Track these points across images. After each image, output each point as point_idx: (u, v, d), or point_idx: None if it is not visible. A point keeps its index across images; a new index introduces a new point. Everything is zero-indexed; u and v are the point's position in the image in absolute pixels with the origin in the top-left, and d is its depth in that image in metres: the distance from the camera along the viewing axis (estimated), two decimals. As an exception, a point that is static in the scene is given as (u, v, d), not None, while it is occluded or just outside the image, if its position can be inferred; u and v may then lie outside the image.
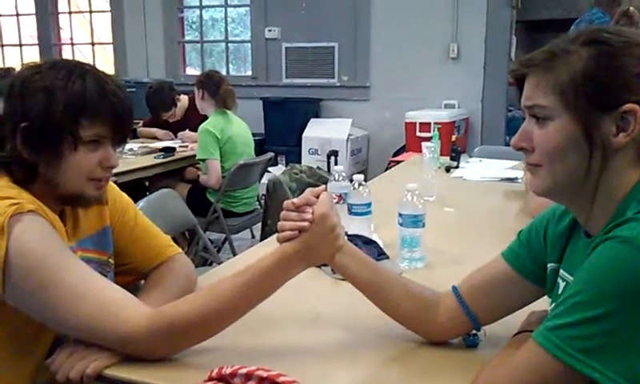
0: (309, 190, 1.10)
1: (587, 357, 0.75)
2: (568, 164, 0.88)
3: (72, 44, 7.64)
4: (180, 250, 1.41)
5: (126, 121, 1.17)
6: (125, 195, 1.39)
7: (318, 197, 1.08)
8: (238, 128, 3.49)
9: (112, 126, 1.15)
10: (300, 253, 1.06)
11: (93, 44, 7.54)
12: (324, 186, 1.14)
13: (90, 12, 7.37)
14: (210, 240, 3.15)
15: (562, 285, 0.97)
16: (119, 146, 1.20)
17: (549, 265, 1.01)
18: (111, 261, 1.32)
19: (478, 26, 5.33)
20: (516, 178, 2.52)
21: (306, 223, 1.05)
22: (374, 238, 1.66)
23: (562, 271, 0.98)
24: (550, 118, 0.88)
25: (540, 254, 1.03)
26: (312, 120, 5.96)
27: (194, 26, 7.20)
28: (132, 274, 1.36)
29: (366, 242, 1.61)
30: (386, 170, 3.64)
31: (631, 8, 4.87)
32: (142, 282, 1.36)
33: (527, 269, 1.05)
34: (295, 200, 1.08)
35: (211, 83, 3.51)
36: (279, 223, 1.09)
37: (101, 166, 1.17)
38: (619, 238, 0.77)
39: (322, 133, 5.69)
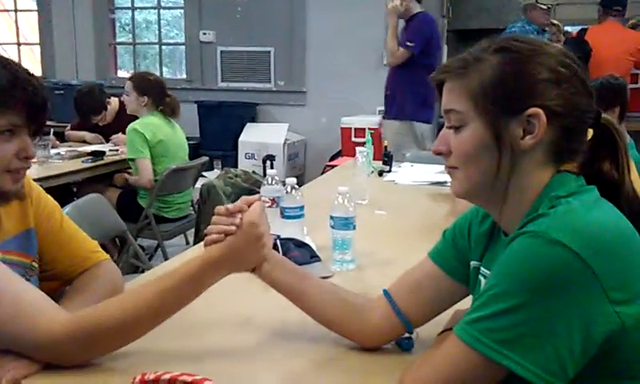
0: (242, 198, 1.10)
1: (504, 348, 0.78)
2: (481, 166, 0.91)
3: (-4, 44, 7.30)
4: (107, 256, 1.38)
5: (42, 109, 1.15)
6: (50, 198, 1.35)
7: (250, 205, 1.08)
8: (171, 131, 3.43)
9: (26, 114, 1.11)
10: (224, 257, 1.05)
11: (19, 44, 7.23)
12: (258, 195, 1.14)
13: (16, 11, 7.07)
14: (141, 247, 3.08)
15: (482, 282, 1.00)
16: (35, 136, 1.17)
17: (471, 263, 1.05)
18: (35, 264, 1.27)
19: (411, 33, 5.44)
20: (445, 182, 2.58)
21: (232, 228, 1.04)
22: (307, 241, 1.67)
23: (482, 269, 1.02)
24: (464, 123, 0.91)
25: (464, 252, 1.07)
26: (248, 124, 5.93)
27: (126, 28, 7.03)
28: (57, 280, 1.32)
29: (298, 245, 1.62)
30: (322, 174, 3.66)
31: (556, 21, 5.13)
32: (68, 288, 1.32)
33: (453, 267, 1.08)
34: (228, 206, 1.08)
35: (157, 91, 3.41)
36: (208, 227, 1.08)
37: (17, 157, 1.13)
38: (530, 233, 0.81)
39: (259, 137, 5.68)
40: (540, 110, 0.87)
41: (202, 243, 1.10)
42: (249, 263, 1.10)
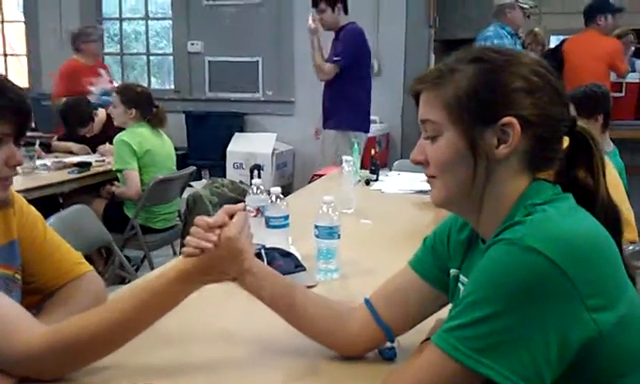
0: (225, 207, 1.09)
1: (481, 356, 0.78)
2: (457, 176, 0.92)
3: (-18, 54, 7.25)
4: (91, 267, 1.36)
5: (28, 117, 1.17)
6: (33, 209, 1.34)
7: (232, 216, 1.07)
8: (159, 142, 3.42)
9: (14, 123, 1.13)
10: (199, 271, 1.04)
11: (5, 55, 7.19)
12: (242, 205, 1.12)
13: (2, 22, 7.03)
14: (128, 257, 3.06)
15: (462, 289, 1.01)
16: (19, 143, 1.19)
17: (451, 271, 1.05)
18: (18, 276, 1.26)
19: (398, 43, 5.48)
20: (430, 190, 2.60)
21: (209, 245, 1.03)
22: (292, 250, 1.67)
23: (461, 276, 1.02)
24: (440, 133, 0.92)
25: (444, 259, 1.07)
26: (236, 134, 5.91)
27: (115, 39, 7.01)
28: (40, 292, 1.30)
29: (283, 255, 1.62)
30: (310, 183, 3.66)
31: (537, 29, 5.17)
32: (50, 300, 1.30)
33: (433, 276, 1.08)
34: (208, 219, 1.06)
35: (145, 103, 3.40)
36: (186, 238, 1.07)
37: (7, 165, 1.15)
38: (506, 241, 0.82)
39: (247, 147, 5.67)
40: (514, 120, 0.88)
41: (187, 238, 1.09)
42: (226, 275, 1.09)
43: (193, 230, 1.06)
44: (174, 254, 3.73)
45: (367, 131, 4.31)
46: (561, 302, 0.77)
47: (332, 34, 4.26)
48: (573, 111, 2.12)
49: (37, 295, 1.29)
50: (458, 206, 0.97)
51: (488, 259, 0.83)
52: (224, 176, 5.48)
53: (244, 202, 1.88)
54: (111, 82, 4.73)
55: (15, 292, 1.24)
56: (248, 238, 1.09)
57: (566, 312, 0.77)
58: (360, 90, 4.21)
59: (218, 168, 5.79)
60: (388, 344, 1.11)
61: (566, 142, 0.95)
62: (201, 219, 1.07)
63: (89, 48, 4.65)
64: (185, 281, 1.04)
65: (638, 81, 4.95)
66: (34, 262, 1.28)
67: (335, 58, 4.10)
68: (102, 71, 4.75)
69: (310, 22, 4.18)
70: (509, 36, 4.11)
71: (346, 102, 4.13)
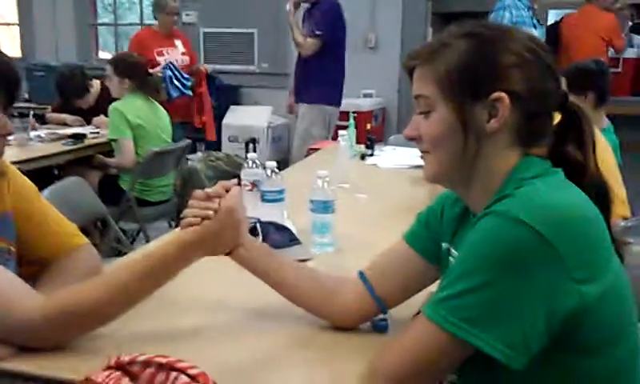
0: (220, 183, 1.11)
1: (470, 325, 0.80)
2: (449, 150, 0.93)
3: (-27, 24, 7.16)
4: (86, 240, 1.37)
5: (18, 85, 1.16)
6: (28, 181, 1.34)
7: (228, 190, 1.09)
8: (153, 113, 3.40)
9: (4, 92, 1.12)
10: (198, 241, 1.05)
11: (-3, 24, 7.11)
12: (236, 180, 1.14)
13: (-7, -10, 6.93)
14: (123, 230, 3.06)
15: (452, 262, 1.02)
16: (9, 113, 1.18)
17: (443, 244, 1.07)
18: (12, 248, 1.26)
19: (395, 16, 5.44)
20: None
21: (209, 212, 1.05)
22: (287, 224, 1.68)
23: (452, 250, 1.04)
24: (432, 108, 0.94)
25: (437, 234, 1.09)
26: (231, 107, 5.89)
27: (109, 8, 6.92)
28: (35, 264, 1.30)
29: (278, 229, 1.63)
30: (306, 157, 3.66)
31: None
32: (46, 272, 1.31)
33: (427, 250, 1.10)
34: (207, 190, 1.08)
35: (139, 74, 3.38)
36: (185, 210, 1.09)
37: None
38: (494, 213, 0.83)
39: (242, 120, 5.65)
40: (504, 94, 0.89)
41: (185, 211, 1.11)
42: (223, 247, 1.10)
43: (191, 202, 1.08)
44: (170, 226, 3.73)
45: (339, 105, 4.36)
46: (547, 272, 0.79)
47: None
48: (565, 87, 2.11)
49: (33, 267, 1.30)
50: (450, 180, 0.99)
51: (477, 231, 0.85)
52: (219, 149, 5.47)
53: (239, 175, 1.88)
54: (187, 55, 4.52)
55: (10, 264, 1.24)
56: (244, 211, 1.11)
57: (552, 282, 0.79)
58: (337, 63, 4.24)
59: (213, 141, 5.77)
60: (381, 316, 1.13)
61: (557, 117, 0.96)
62: (199, 191, 1.08)
63: (164, 19, 4.44)
64: (183, 252, 1.05)
65: (635, 56, 4.93)
66: (29, 234, 1.29)
67: (318, 32, 4.07)
68: (178, 43, 4.52)
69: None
70: (525, 8, 3.99)
71: (321, 75, 4.14)
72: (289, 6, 4.18)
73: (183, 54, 4.49)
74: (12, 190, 1.27)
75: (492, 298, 0.80)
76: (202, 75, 4.69)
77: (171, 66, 4.23)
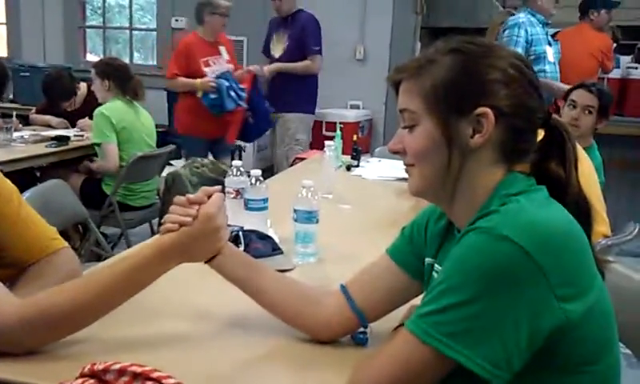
0: (203, 188, 1.10)
1: (453, 341, 0.80)
2: (433, 165, 0.94)
3: (-41, 21, 7.08)
4: (66, 243, 1.34)
5: (7, 80, 1.13)
6: (8, 182, 1.31)
7: (210, 196, 1.08)
8: (138, 117, 3.38)
9: None
10: (176, 247, 1.04)
11: (-17, 23, 7.03)
12: (219, 186, 1.13)
13: (-19, -11, 6.87)
14: (104, 235, 3.03)
15: (436, 277, 1.02)
16: None
17: (426, 259, 1.07)
18: None
19: (384, 29, 5.47)
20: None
21: (188, 219, 1.04)
22: (270, 233, 1.67)
23: (436, 265, 1.04)
24: (417, 122, 0.94)
25: (421, 249, 1.08)
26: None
27: (98, 11, 6.89)
28: (12, 267, 1.27)
29: (261, 237, 1.62)
30: (291, 166, 3.65)
31: None
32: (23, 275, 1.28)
33: (410, 264, 1.09)
34: (188, 196, 1.07)
35: (119, 74, 3.36)
36: (165, 216, 1.07)
37: None
38: (479, 229, 0.83)
39: (229, 127, 5.62)
40: (488, 110, 0.89)
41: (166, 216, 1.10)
42: (202, 255, 1.09)
43: (172, 207, 1.07)
44: (152, 232, 3.71)
45: (313, 113, 4.60)
46: (531, 289, 0.79)
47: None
48: (596, 104, 2.12)
49: (9, 269, 1.27)
50: (434, 195, 0.99)
51: (461, 247, 0.84)
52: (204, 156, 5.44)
53: (224, 182, 1.87)
54: (231, 62, 4.12)
55: None
56: (224, 218, 1.10)
57: (535, 300, 0.79)
58: (316, 74, 4.46)
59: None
60: (361, 329, 1.12)
61: (541, 135, 0.97)
62: (180, 197, 1.07)
63: (213, 21, 3.97)
64: (161, 258, 1.04)
65: (619, 77, 5.00)
66: (6, 236, 1.26)
67: (316, 48, 4.31)
68: (222, 49, 4.10)
69: (258, 68, 4.30)
70: (540, 25, 3.87)
71: (306, 86, 4.40)
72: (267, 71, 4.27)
73: (228, 61, 4.11)
74: None
75: (475, 314, 0.80)
76: (249, 79, 4.22)
77: (227, 76, 3.93)
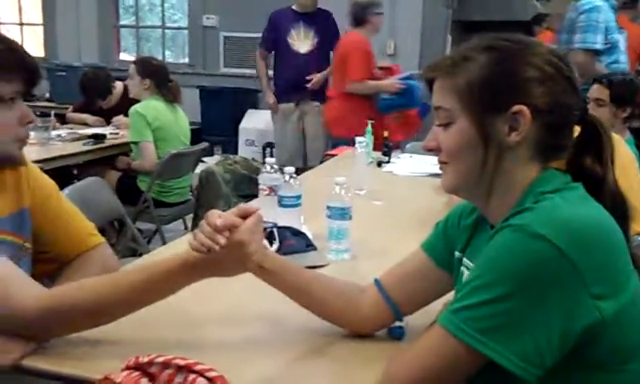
0: (240, 207, 1.08)
1: (485, 337, 0.80)
2: (468, 163, 0.94)
3: (-2, 23, 7.29)
4: (103, 239, 1.38)
5: (38, 75, 1.19)
6: (48, 178, 1.35)
7: (247, 216, 1.05)
8: (172, 116, 3.43)
9: (25, 80, 1.15)
10: (203, 265, 1.04)
11: (21, 24, 7.22)
12: (257, 207, 1.10)
13: (18, -9, 7.05)
14: (140, 230, 3.09)
15: (465, 273, 1.03)
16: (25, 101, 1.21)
17: (455, 253, 1.07)
18: (27, 245, 1.27)
19: (415, 24, 5.44)
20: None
21: (216, 247, 1.00)
22: (304, 229, 1.69)
23: (464, 260, 1.05)
24: (452, 120, 0.94)
25: (454, 243, 1.09)
26: (249, 111, 5.93)
27: (130, 10, 7.01)
28: (52, 262, 1.32)
29: (294, 234, 1.64)
30: (321, 162, 3.67)
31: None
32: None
33: (443, 259, 1.10)
34: (219, 221, 1.02)
35: (159, 75, 3.42)
36: (195, 231, 1.05)
37: (21, 124, 1.18)
38: (514, 227, 0.83)
39: (260, 124, 5.68)
40: (525, 108, 0.89)
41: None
42: (230, 273, 1.09)
43: (202, 226, 1.03)
44: (185, 228, 3.77)
45: None
46: (565, 288, 0.79)
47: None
48: (606, 96, 2.08)
49: (49, 265, 1.31)
50: (468, 192, 0.99)
51: (495, 244, 0.85)
52: (236, 152, 5.51)
53: (256, 179, 1.90)
54: None
55: (24, 260, 1.26)
56: (260, 240, 1.08)
57: (569, 298, 0.79)
58: None
59: (230, 144, 5.81)
60: (397, 323, 1.13)
61: (577, 130, 0.96)
62: (212, 216, 1.03)
63: (376, 21, 4.00)
64: (186, 271, 1.04)
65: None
66: (46, 231, 1.30)
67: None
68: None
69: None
70: (612, 10, 3.52)
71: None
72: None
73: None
74: (32, 186, 1.29)
75: (508, 310, 0.80)
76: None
77: (412, 74, 3.98)
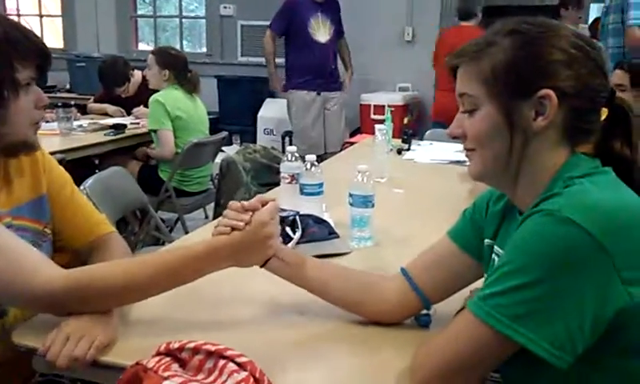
0: (259, 196, 1.13)
1: (515, 323, 0.80)
2: (494, 149, 0.93)
3: (18, 15, 7.35)
4: (113, 228, 1.42)
5: (49, 60, 1.21)
6: (62, 169, 1.38)
7: (265, 204, 1.10)
8: (192, 105, 3.45)
9: (39, 65, 1.18)
10: (227, 250, 1.06)
11: (41, 16, 7.28)
12: (274, 197, 1.15)
13: (38, -18, 7.11)
14: (161, 219, 3.12)
15: (496, 260, 1.02)
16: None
17: (485, 240, 1.07)
18: (47, 230, 1.30)
19: (433, 9, 5.39)
20: (464, 161, 2.58)
21: (240, 224, 1.07)
22: (326, 217, 1.69)
23: (496, 247, 1.04)
24: (477, 107, 0.93)
25: (482, 230, 1.08)
26: (267, 100, 5.92)
27: (147, 0, 7.03)
28: (63, 251, 1.35)
29: (317, 222, 1.64)
30: (341, 150, 3.67)
31: None
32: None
33: (472, 246, 1.10)
34: (243, 202, 1.09)
35: (178, 66, 3.44)
36: (219, 219, 1.10)
37: (37, 107, 1.20)
38: (544, 212, 0.83)
39: (278, 113, 5.67)
40: (551, 92, 0.88)
41: (219, 219, 1.13)
42: (251, 260, 1.11)
43: (226, 212, 1.10)
44: (206, 217, 3.80)
45: None
46: (596, 273, 0.78)
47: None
48: (627, 81, 2.04)
49: (62, 255, 1.33)
50: (496, 178, 0.98)
51: (525, 230, 0.84)
52: (254, 141, 5.51)
53: (276, 168, 1.90)
54: None
55: (45, 245, 1.29)
56: (276, 228, 1.12)
57: (600, 283, 0.79)
58: None
59: (248, 133, 5.82)
60: (424, 311, 1.13)
61: (604, 113, 0.95)
62: (235, 203, 1.10)
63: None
64: (211, 258, 1.06)
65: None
66: (60, 219, 1.33)
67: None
68: None
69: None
70: None
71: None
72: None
73: None
74: (47, 174, 1.31)
75: (539, 296, 0.80)
76: None
77: None
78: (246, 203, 1.09)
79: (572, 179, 0.88)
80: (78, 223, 1.35)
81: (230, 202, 1.11)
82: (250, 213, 1.08)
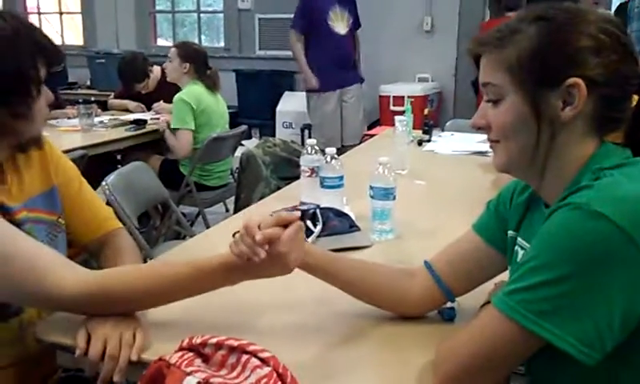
0: (279, 216, 1.03)
1: (541, 319, 0.78)
2: (520, 140, 0.90)
3: (39, 13, 7.44)
4: (120, 224, 1.43)
5: (58, 60, 1.23)
6: (71, 163, 1.40)
7: (287, 225, 1.02)
8: (214, 100, 3.46)
9: (50, 66, 1.20)
10: (242, 269, 1.04)
11: (61, 13, 7.35)
12: (297, 214, 1.08)
13: (57, -20, 7.17)
14: (182, 214, 3.14)
15: (520, 252, 1.00)
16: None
17: (508, 232, 1.04)
18: (61, 221, 1.32)
19: (452, -1, 5.33)
20: (487, 152, 2.55)
21: (256, 259, 0.98)
22: (346, 210, 1.68)
23: (519, 239, 1.01)
24: (502, 97, 0.90)
25: (506, 222, 1.06)
26: (286, 93, 5.92)
27: (165, -5, 7.07)
28: (72, 246, 1.36)
29: (337, 215, 1.63)
30: (360, 143, 3.65)
31: None
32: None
33: (496, 239, 1.07)
34: (258, 236, 0.97)
35: (200, 60, 3.46)
36: (236, 235, 1.03)
37: (48, 105, 1.23)
38: (572, 205, 0.80)
39: (297, 106, 5.66)
40: (580, 80, 0.85)
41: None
42: (269, 276, 1.07)
43: (241, 233, 1.00)
44: (227, 211, 3.81)
45: None
46: (626, 269, 0.76)
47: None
48: None
49: (70, 249, 1.35)
50: (522, 170, 0.96)
51: (552, 223, 0.81)
52: (273, 135, 5.51)
53: (296, 161, 1.89)
54: None
55: (60, 236, 1.30)
56: (301, 247, 1.06)
57: (631, 279, 0.76)
58: None
59: (267, 127, 5.82)
60: (448, 304, 1.12)
61: (635, 100, 0.92)
62: (252, 228, 0.99)
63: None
64: (226, 274, 1.05)
65: None
66: (69, 213, 1.34)
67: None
68: None
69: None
70: None
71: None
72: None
73: None
74: (56, 166, 1.33)
75: (567, 292, 0.77)
76: None
77: None
78: (259, 239, 0.97)
79: (602, 170, 0.85)
80: (86, 218, 1.36)
81: (246, 222, 1.00)
82: (266, 246, 0.98)
